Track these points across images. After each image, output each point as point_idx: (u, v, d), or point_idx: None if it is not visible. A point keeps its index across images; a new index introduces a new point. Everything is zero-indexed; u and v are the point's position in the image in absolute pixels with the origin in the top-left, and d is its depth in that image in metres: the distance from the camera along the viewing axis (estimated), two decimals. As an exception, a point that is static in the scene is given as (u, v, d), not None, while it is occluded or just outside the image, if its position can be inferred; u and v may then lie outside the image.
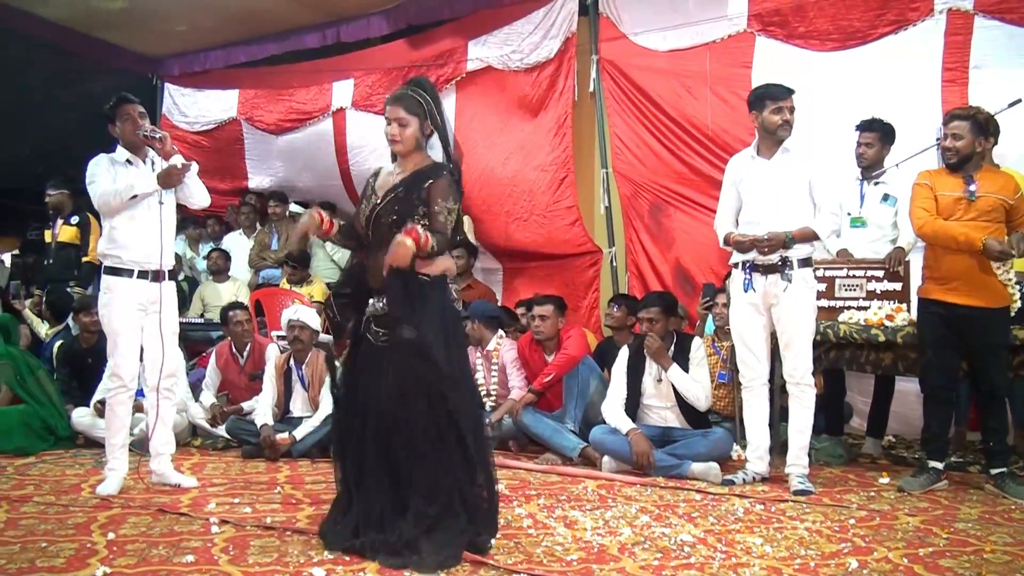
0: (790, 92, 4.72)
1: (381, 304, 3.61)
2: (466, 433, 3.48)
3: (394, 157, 3.79)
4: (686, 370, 5.23)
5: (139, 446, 5.04)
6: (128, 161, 4.65)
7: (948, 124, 4.71)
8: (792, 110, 4.70)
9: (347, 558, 3.30)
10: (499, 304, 7.53)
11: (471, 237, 8.08)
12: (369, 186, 3.80)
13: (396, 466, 3.46)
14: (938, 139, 5.44)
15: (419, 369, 3.47)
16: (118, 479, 4.57)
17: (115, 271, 4.59)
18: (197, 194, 4.74)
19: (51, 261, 7.90)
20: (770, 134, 4.73)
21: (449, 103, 8.24)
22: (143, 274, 4.60)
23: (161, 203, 4.58)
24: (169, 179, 4.54)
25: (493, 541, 3.47)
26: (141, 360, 4.70)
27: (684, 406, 5.25)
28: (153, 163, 4.68)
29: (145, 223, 4.58)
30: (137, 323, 4.62)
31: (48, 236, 7.97)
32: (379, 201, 3.66)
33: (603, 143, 7.59)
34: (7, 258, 11.95)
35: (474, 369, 6.20)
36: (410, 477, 3.43)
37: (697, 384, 5.19)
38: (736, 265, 4.84)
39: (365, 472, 3.52)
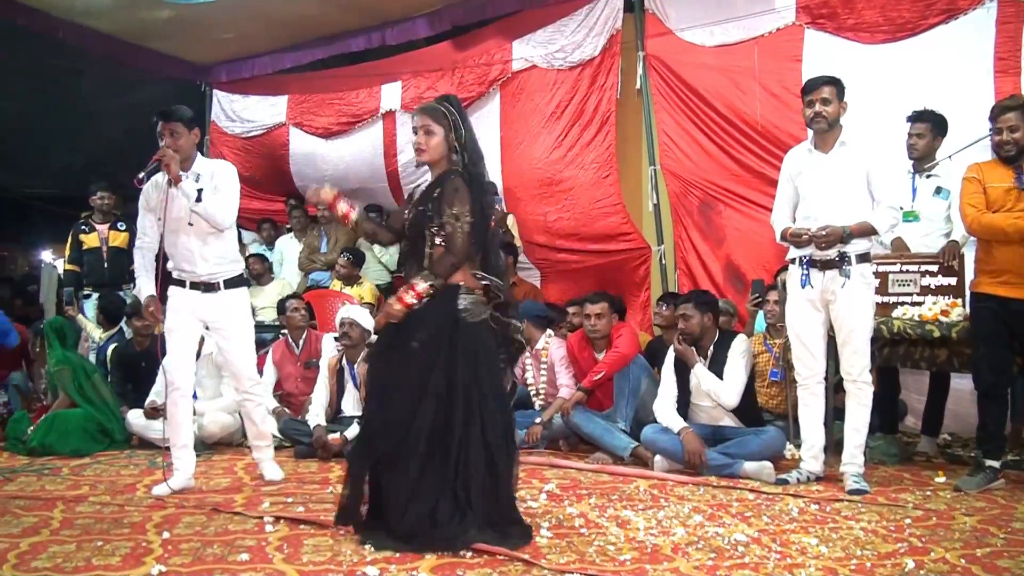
0: (820, 83, 4.65)
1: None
2: (489, 440, 3.54)
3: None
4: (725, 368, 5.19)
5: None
6: (170, 182, 4.56)
7: (1000, 117, 4.61)
8: (825, 101, 4.61)
9: (398, 555, 3.31)
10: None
11: (516, 236, 8.07)
12: (411, 198, 3.90)
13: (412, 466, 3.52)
14: (991, 130, 5.35)
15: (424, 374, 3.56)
16: (181, 478, 4.63)
17: (173, 281, 4.73)
18: (209, 217, 4.60)
19: (106, 266, 8.03)
20: (809, 128, 4.70)
21: (494, 103, 8.30)
22: (195, 285, 4.69)
23: (190, 224, 4.60)
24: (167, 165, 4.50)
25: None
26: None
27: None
28: (198, 177, 4.63)
29: (180, 239, 4.64)
30: (190, 330, 4.72)
31: (94, 240, 8.07)
32: (407, 216, 3.79)
33: (651, 140, 7.56)
34: (60, 265, 12.19)
35: (523, 369, 6.22)
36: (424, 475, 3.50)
37: (721, 385, 5.12)
38: (793, 261, 4.78)
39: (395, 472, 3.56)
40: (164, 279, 4.74)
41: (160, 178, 4.63)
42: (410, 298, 3.57)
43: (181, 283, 4.70)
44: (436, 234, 3.63)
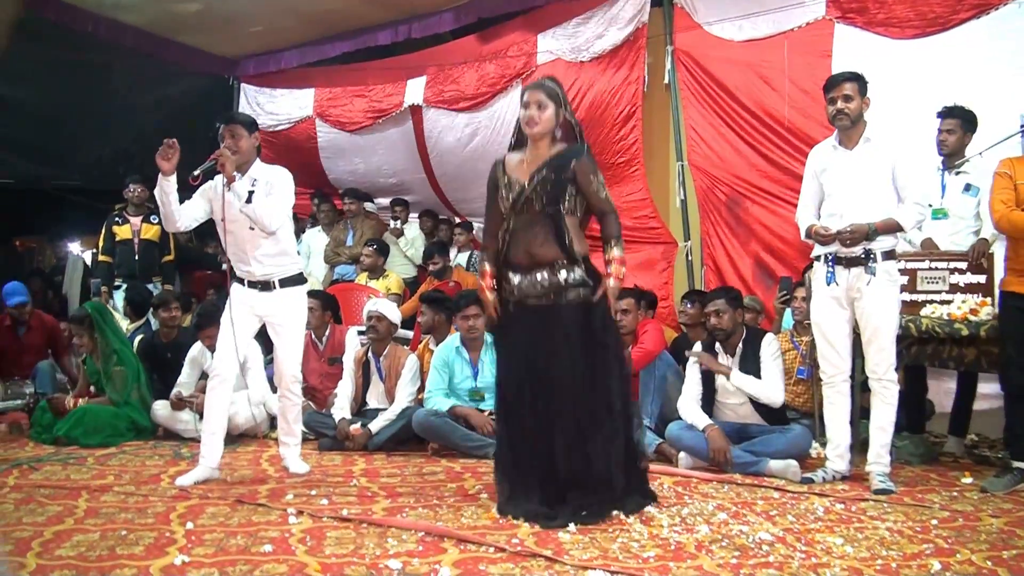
0: (841, 80, 4.61)
1: (542, 275, 3.97)
2: (614, 398, 3.95)
3: (520, 144, 4.16)
4: (756, 365, 5.13)
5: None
6: (229, 186, 4.65)
7: None
8: (847, 98, 4.56)
9: (421, 549, 3.32)
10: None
11: None
12: (500, 173, 4.13)
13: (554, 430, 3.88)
14: (1023, 126, 5.28)
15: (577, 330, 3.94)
16: (202, 471, 4.65)
17: (236, 278, 4.84)
18: (257, 219, 4.65)
19: (137, 258, 8.11)
20: (832, 124, 4.66)
21: (513, 96, 8.27)
22: (253, 284, 4.79)
23: (251, 228, 4.68)
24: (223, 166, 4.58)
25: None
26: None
27: (758, 403, 5.16)
28: (253, 183, 4.69)
29: (237, 240, 4.72)
30: (244, 324, 4.80)
31: (126, 232, 8.15)
32: (526, 185, 3.99)
33: (678, 135, 7.52)
34: (88, 256, 12.29)
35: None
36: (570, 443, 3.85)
37: (763, 384, 5.06)
38: (818, 258, 4.74)
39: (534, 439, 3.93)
40: (229, 277, 4.86)
41: (217, 182, 4.72)
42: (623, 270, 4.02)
43: (241, 281, 4.82)
44: (570, 201, 3.99)
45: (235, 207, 4.61)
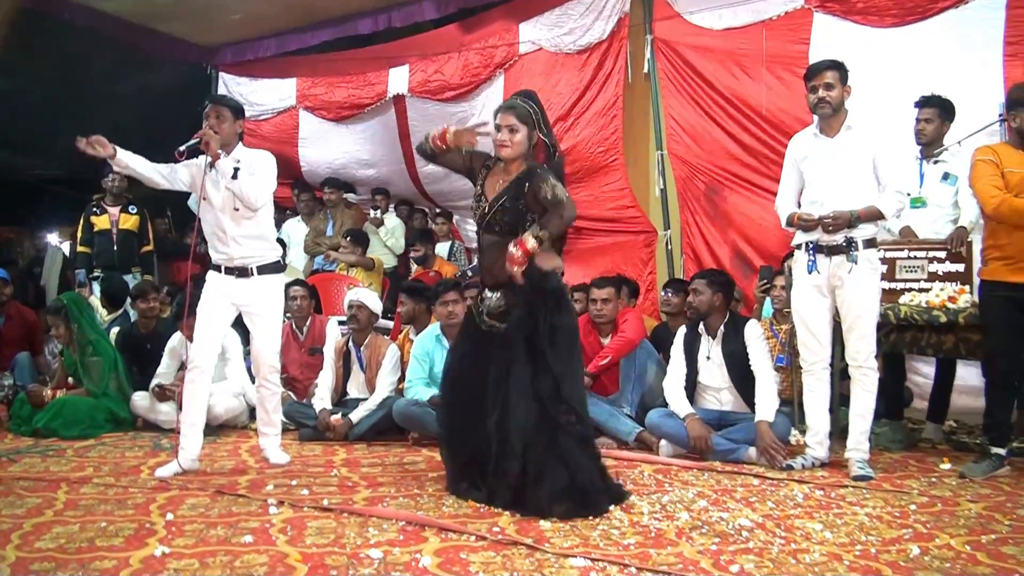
0: (823, 67, 4.62)
1: (496, 296, 4.05)
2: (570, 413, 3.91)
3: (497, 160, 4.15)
4: (737, 348, 5.15)
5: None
6: (211, 166, 4.63)
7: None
8: (828, 86, 4.58)
9: (402, 538, 3.32)
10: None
11: None
12: (480, 180, 4.16)
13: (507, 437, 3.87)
14: (1001, 115, 5.30)
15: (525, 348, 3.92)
16: (184, 461, 4.62)
17: (211, 266, 4.79)
18: (243, 195, 4.64)
19: (115, 248, 8.06)
20: (813, 113, 4.67)
21: (497, 85, 8.26)
22: (230, 271, 4.73)
23: (236, 209, 4.64)
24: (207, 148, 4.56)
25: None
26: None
27: (739, 386, 5.19)
28: (237, 162, 4.65)
29: (216, 221, 4.69)
30: (220, 313, 4.74)
31: (104, 222, 8.10)
32: (487, 211, 4.05)
33: (658, 125, 7.53)
34: (66, 247, 12.18)
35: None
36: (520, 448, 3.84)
37: (764, 382, 5.02)
38: (799, 246, 4.76)
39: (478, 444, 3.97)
40: (203, 263, 4.80)
41: (201, 160, 4.67)
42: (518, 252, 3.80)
43: (217, 268, 4.76)
44: (534, 220, 3.91)
45: (220, 185, 4.60)
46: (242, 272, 4.74)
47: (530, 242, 3.77)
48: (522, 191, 3.96)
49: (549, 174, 3.93)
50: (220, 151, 4.57)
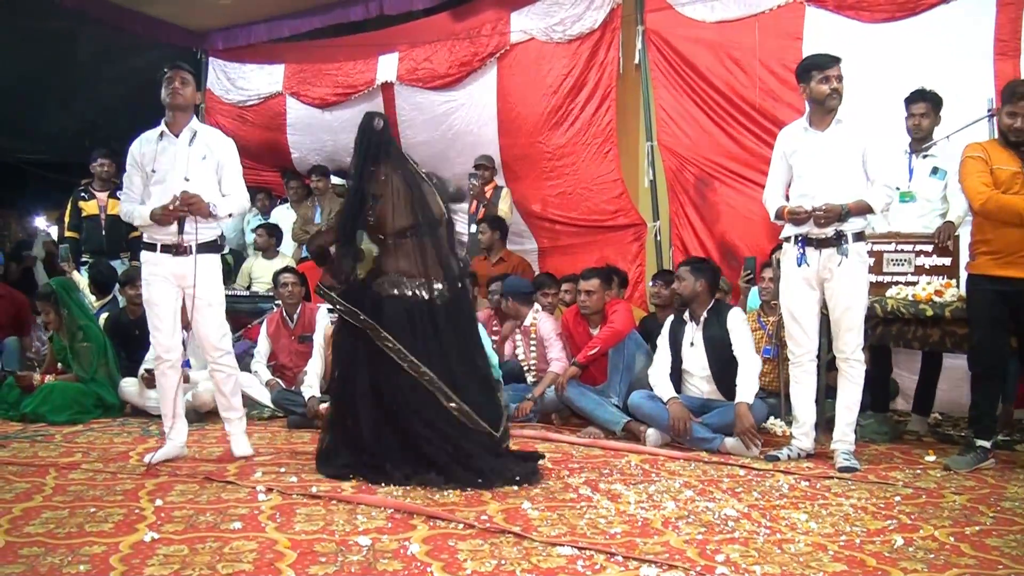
0: (836, 60, 4.62)
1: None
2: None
3: None
4: (719, 333, 5.17)
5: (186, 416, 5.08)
6: (161, 135, 4.60)
7: (1020, 103, 4.51)
8: (840, 78, 4.59)
9: (390, 525, 3.33)
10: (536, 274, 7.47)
11: (505, 210, 8.04)
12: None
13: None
14: (990, 111, 5.33)
15: None
16: (172, 447, 4.62)
17: (146, 245, 4.63)
18: (240, 211, 4.82)
19: (104, 233, 8.02)
20: (820, 104, 4.64)
21: (490, 75, 8.26)
22: (166, 248, 4.56)
23: (187, 179, 4.51)
24: (162, 220, 4.48)
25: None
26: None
27: (718, 377, 5.22)
28: (194, 135, 4.63)
29: (164, 198, 4.51)
30: (170, 296, 4.60)
31: (92, 207, 8.06)
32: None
33: (648, 116, 7.53)
34: (54, 231, 12.13)
35: (514, 344, 6.29)
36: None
37: (747, 368, 5.03)
38: (788, 239, 4.77)
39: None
40: (133, 246, 4.74)
41: (151, 134, 4.62)
42: None
43: (152, 247, 4.60)
44: None
45: (167, 160, 4.54)
46: (180, 250, 4.56)
47: None
48: None
49: None
50: (178, 131, 4.57)
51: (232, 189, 4.67)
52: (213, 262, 4.70)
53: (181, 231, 4.48)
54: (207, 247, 4.64)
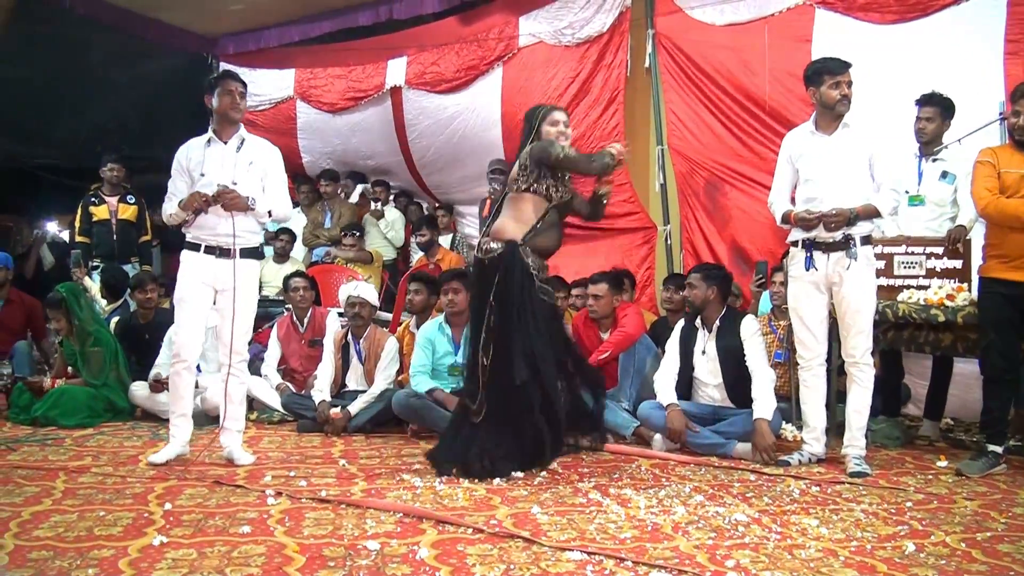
0: (847, 66, 4.61)
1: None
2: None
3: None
4: (733, 343, 5.15)
5: (197, 420, 5.10)
6: (209, 141, 4.66)
7: (1021, 100, 4.52)
8: (850, 84, 4.59)
9: (399, 530, 3.33)
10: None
11: None
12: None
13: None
14: (1001, 114, 5.30)
15: None
16: (174, 447, 4.65)
17: (188, 245, 4.67)
18: (283, 218, 4.95)
19: (115, 238, 8.05)
20: (829, 109, 4.62)
21: (495, 78, 8.26)
22: (210, 250, 4.62)
23: (235, 183, 4.56)
24: (189, 206, 4.53)
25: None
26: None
27: (729, 383, 5.19)
28: (242, 142, 4.69)
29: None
30: (202, 299, 4.65)
31: (103, 212, 8.08)
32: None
33: (659, 119, 7.52)
34: (65, 236, 12.14)
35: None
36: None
37: (761, 380, 5.00)
38: (796, 243, 4.76)
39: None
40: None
41: (198, 141, 4.69)
42: None
43: (195, 247, 4.64)
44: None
45: (215, 166, 4.59)
46: (224, 252, 4.62)
47: None
48: None
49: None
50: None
51: (275, 195, 4.73)
52: (253, 268, 4.81)
53: (196, 215, 4.57)
54: (249, 253, 4.72)
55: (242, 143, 4.69)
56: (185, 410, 4.73)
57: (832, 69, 4.63)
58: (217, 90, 4.64)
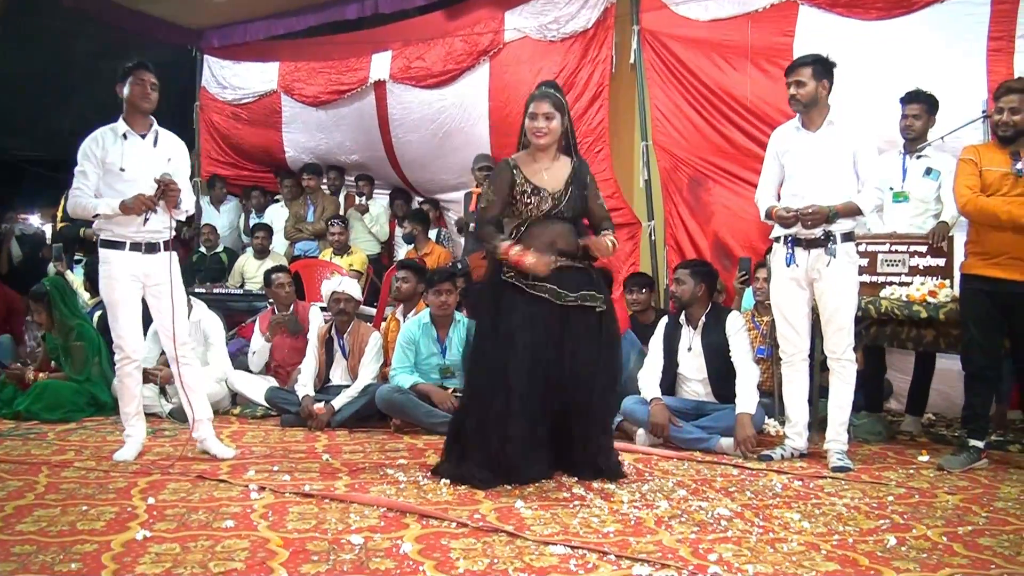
0: (799, 64, 4.65)
1: (571, 276, 4.21)
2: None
3: (524, 147, 4.35)
4: (718, 339, 5.17)
5: (178, 414, 5.08)
6: (124, 135, 4.57)
7: (1003, 97, 4.54)
8: (799, 83, 4.60)
9: (383, 524, 3.33)
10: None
11: None
12: (519, 177, 4.23)
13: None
14: (984, 111, 5.33)
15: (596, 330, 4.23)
16: (135, 445, 4.64)
17: (109, 244, 4.55)
18: (187, 205, 4.68)
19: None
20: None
21: (482, 72, 8.25)
22: (135, 246, 4.52)
23: (157, 180, 4.47)
24: (130, 211, 4.41)
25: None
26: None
27: (714, 380, 5.22)
28: (156, 135, 4.63)
29: (132, 188, 4.46)
30: (134, 295, 4.57)
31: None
32: (562, 199, 4.21)
33: (643, 115, 7.52)
34: (48, 229, 12.07)
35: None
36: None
37: (745, 375, 5.03)
38: (778, 239, 4.78)
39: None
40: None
41: (109, 132, 4.59)
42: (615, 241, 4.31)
43: (119, 245, 4.53)
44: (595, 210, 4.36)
45: (136, 162, 4.50)
46: (151, 247, 4.55)
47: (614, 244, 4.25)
48: (585, 181, 4.30)
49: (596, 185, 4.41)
50: (141, 132, 4.58)
51: (187, 189, 4.65)
52: (175, 259, 4.71)
53: (146, 222, 4.47)
54: (171, 245, 4.66)
55: (156, 137, 4.62)
56: (139, 408, 4.72)
57: (787, 71, 4.72)
58: (129, 79, 4.56)
